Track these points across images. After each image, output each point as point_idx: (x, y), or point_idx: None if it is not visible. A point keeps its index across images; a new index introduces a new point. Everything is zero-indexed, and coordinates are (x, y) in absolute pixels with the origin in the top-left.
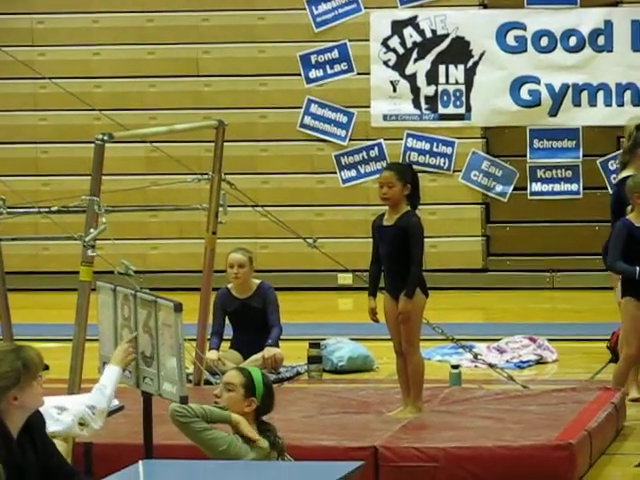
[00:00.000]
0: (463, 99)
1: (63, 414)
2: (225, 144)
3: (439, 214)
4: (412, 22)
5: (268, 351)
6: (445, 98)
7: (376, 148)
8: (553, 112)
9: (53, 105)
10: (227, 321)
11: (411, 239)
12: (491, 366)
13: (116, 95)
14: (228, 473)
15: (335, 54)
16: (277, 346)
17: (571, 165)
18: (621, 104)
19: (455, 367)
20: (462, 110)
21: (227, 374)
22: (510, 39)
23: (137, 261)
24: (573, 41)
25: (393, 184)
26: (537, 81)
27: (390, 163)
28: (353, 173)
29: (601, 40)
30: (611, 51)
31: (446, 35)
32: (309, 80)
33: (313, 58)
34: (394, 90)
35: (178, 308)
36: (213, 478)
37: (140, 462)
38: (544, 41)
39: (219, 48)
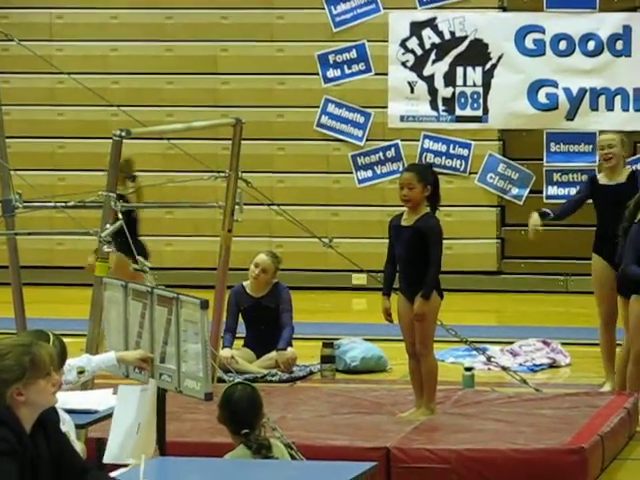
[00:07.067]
0: (480, 101)
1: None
2: (242, 142)
3: (454, 216)
4: (431, 23)
5: (281, 356)
6: (462, 100)
7: (393, 149)
8: (570, 116)
9: (70, 100)
10: (240, 319)
11: (430, 241)
12: (504, 369)
13: (133, 91)
14: (241, 471)
15: (353, 54)
16: (290, 345)
17: (587, 169)
18: (638, 109)
19: (468, 369)
20: (479, 112)
21: None
22: (529, 42)
23: (152, 258)
24: (591, 45)
25: (414, 186)
26: (555, 85)
27: (410, 164)
28: (369, 173)
29: (619, 45)
30: (629, 56)
31: (465, 37)
32: (327, 80)
33: (331, 58)
34: (412, 91)
35: (204, 305)
36: (225, 476)
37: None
38: (562, 45)
39: (237, 46)
